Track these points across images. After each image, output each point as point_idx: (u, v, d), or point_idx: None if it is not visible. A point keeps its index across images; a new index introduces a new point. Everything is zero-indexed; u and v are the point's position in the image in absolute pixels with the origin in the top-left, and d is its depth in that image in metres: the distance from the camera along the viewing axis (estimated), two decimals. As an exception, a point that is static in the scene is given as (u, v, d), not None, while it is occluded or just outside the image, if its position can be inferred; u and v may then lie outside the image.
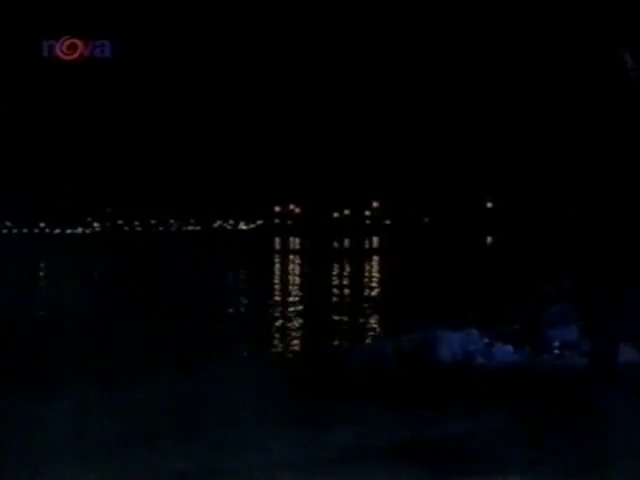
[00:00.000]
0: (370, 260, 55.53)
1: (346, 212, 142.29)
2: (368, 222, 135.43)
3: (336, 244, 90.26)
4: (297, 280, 37.97)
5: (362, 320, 21.43)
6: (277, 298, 28.20)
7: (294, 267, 49.58)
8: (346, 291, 31.38)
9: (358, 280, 36.80)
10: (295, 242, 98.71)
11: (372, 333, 19.04)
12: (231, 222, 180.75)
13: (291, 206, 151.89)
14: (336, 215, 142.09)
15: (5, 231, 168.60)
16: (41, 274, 45.85)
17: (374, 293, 30.75)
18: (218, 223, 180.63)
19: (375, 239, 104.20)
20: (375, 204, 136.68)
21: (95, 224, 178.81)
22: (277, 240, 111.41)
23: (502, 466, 5.74)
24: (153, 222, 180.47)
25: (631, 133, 6.96)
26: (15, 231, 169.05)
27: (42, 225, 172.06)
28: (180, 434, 6.65)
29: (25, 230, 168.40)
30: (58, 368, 10.58)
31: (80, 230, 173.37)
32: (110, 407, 7.46)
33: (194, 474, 5.88)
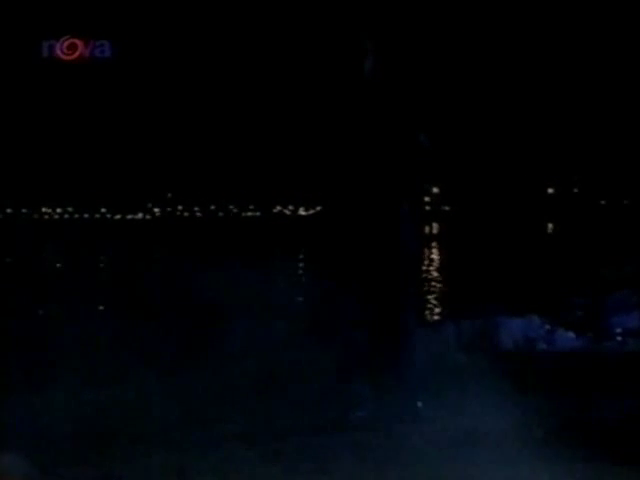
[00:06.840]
0: (430, 246, 55.40)
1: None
2: (428, 208, 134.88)
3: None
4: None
5: (421, 305, 21.39)
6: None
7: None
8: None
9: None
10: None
11: (432, 318, 19.00)
12: (290, 208, 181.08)
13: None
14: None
15: (67, 216, 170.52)
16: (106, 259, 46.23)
17: (433, 279, 30.68)
18: (278, 209, 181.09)
19: (435, 225, 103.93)
20: (435, 190, 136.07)
21: (155, 209, 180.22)
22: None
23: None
24: (212, 207, 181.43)
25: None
26: (77, 216, 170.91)
27: (103, 210, 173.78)
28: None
29: (86, 215, 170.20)
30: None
31: (140, 215, 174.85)
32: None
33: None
